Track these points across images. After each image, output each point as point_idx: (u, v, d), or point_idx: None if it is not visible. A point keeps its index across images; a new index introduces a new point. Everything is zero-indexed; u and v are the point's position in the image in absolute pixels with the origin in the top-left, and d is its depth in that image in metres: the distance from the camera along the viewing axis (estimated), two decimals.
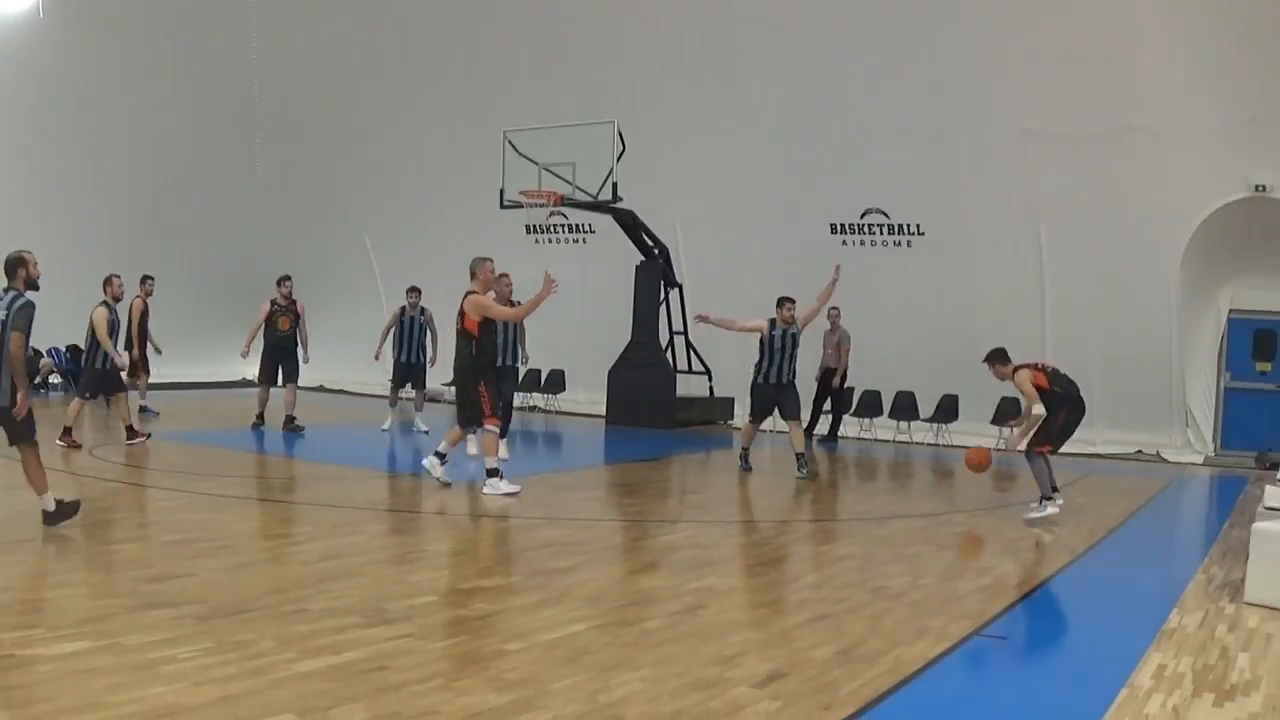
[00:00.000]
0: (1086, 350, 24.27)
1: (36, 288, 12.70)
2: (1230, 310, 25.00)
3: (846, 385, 25.64)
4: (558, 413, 30.83)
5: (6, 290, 12.36)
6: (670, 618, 9.48)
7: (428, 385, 24.12)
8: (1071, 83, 23.78)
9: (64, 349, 31.70)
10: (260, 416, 22.80)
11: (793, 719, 7.01)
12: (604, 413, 28.21)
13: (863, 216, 27.22)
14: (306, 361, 23.49)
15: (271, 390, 22.64)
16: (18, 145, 30.51)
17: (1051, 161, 24.29)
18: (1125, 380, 24.37)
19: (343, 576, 10.37)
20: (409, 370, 23.28)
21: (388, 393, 23.93)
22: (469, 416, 16.46)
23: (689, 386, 28.27)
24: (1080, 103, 23.81)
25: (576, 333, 30.17)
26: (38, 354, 30.68)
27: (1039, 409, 15.22)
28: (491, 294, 17.15)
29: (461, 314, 16.27)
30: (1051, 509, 15.39)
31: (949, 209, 25.84)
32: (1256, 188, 22.92)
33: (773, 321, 18.88)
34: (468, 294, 16.35)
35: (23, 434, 12.14)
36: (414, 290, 23.18)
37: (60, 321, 31.25)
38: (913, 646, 8.81)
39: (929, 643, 8.96)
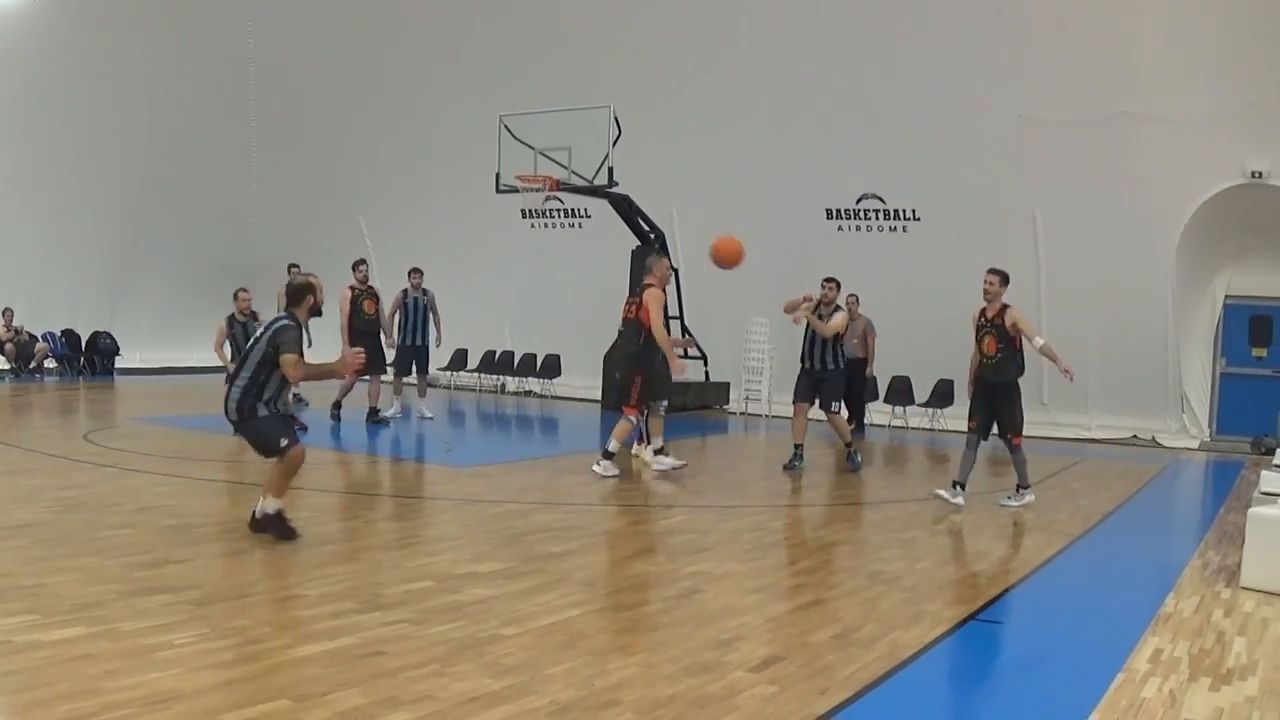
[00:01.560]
0: (1082, 335, 24.31)
1: (320, 314, 11.92)
2: (1226, 296, 25.04)
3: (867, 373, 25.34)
4: (553, 397, 30.85)
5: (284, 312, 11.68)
6: (666, 602, 9.54)
7: (429, 370, 24.09)
8: (1068, 69, 23.82)
9: (59, 334, 31.72)
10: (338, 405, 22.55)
11: (789, 703, 7.02)
12: (599, 397, 28.23)
13: (859, 202, 27.24)
14: (393, 346, 23.37)
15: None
16: (11, 132, 30.50)
17: (1048, 147, 24.32)
18: (1121, 365, 24.43)
19: (338, 562, 10.39)
20: (413, 353, 23.12)
21: (390, 379, 23.79)
22: (621, 399, 17.36)
23: (685, 371, 28.31)
24: (1077, 89, 23.85)
25: (572, 317, 30.25)
26: (33, 339, 30.71)
27: (1040, 340, 15.01)
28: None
29: (640, 304, 17.01)
30: (1030, 496, 15.44)
31: (945, 194, 25.86)
32: (1253, 174, 22.96)
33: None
34: (647, 286, 17.06)
35: (267, 449, 11.48)
36: (416, 271, 23.11)
37: (57, 307, 31.38)
38: (908, 631, 8.84)
39: (925, 627, 8.98)
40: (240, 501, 13.70)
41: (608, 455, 16.79)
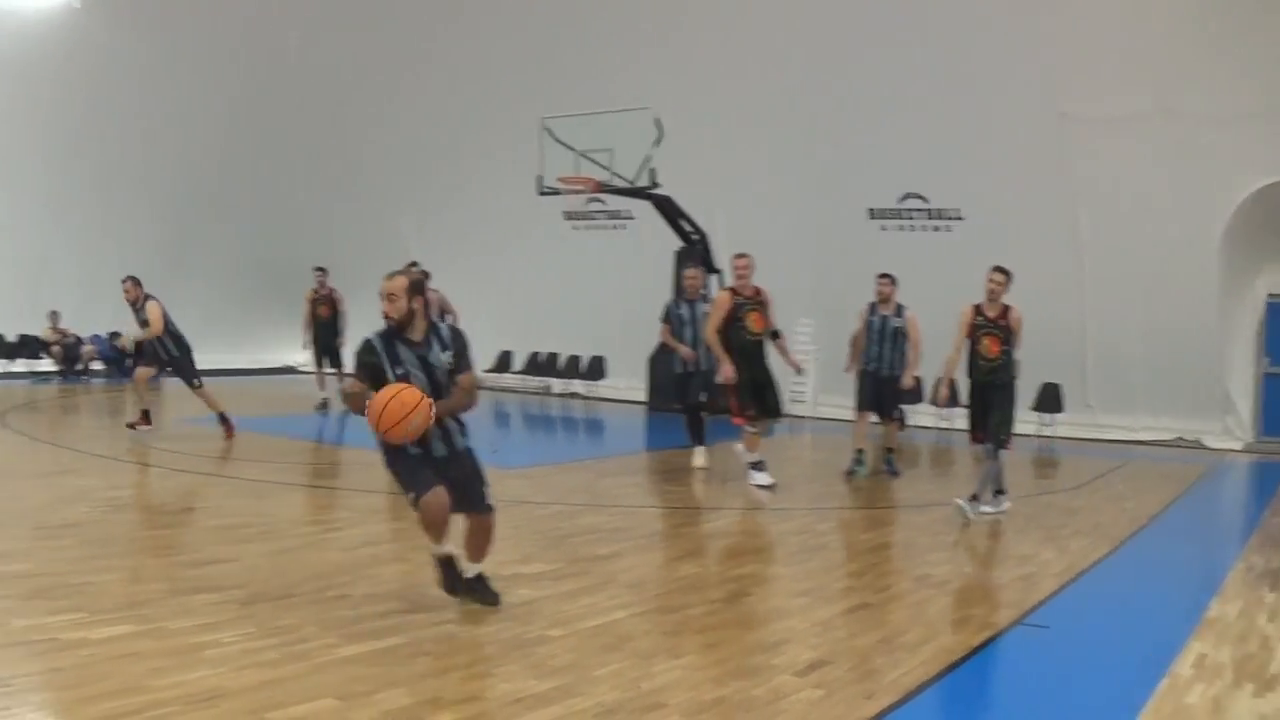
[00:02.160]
0: (1125, 335, 24.20)
1: (394, 321, 8.75)
2: (1269, 294, 24.84)
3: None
4: (598, 399, 30.83)
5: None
6: (712, 605, 9.53)
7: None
8: (1108, 65, 23.70)
9: (106, 335, 31.84)
10: None
11: (835, 707, 7.03)
12: (644, 399, 28.22)
13: (902, 201, 27.16)
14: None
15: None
16: (54, 136, 30.65)
17: (1089, 145, 24.16)
18: (1164, 366, 24.24)
19: (384, 562, 10.44)
20: None
21: None
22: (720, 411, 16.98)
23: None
24: (1117, 86, 23.73)
25: (616, 319, 30.18)
26: (79, 340, 30.84)
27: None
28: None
29: None
30: (1006, 503, 14.75)
31: (988, 193, 25.70)
32: None
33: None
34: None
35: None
36: (413, 265, 22.38)
37: (104, 309, 31.53)
38: (954, 635, 8.85)
39: (970, 631, 8.98)
40: (287, 502, 13.78)
41: (756, 466, 16.27)
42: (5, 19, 29.99)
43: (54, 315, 30.57)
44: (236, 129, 33.08)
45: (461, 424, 9.17)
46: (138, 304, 19.52)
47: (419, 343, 8.78)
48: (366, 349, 8.76)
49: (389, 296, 8.72)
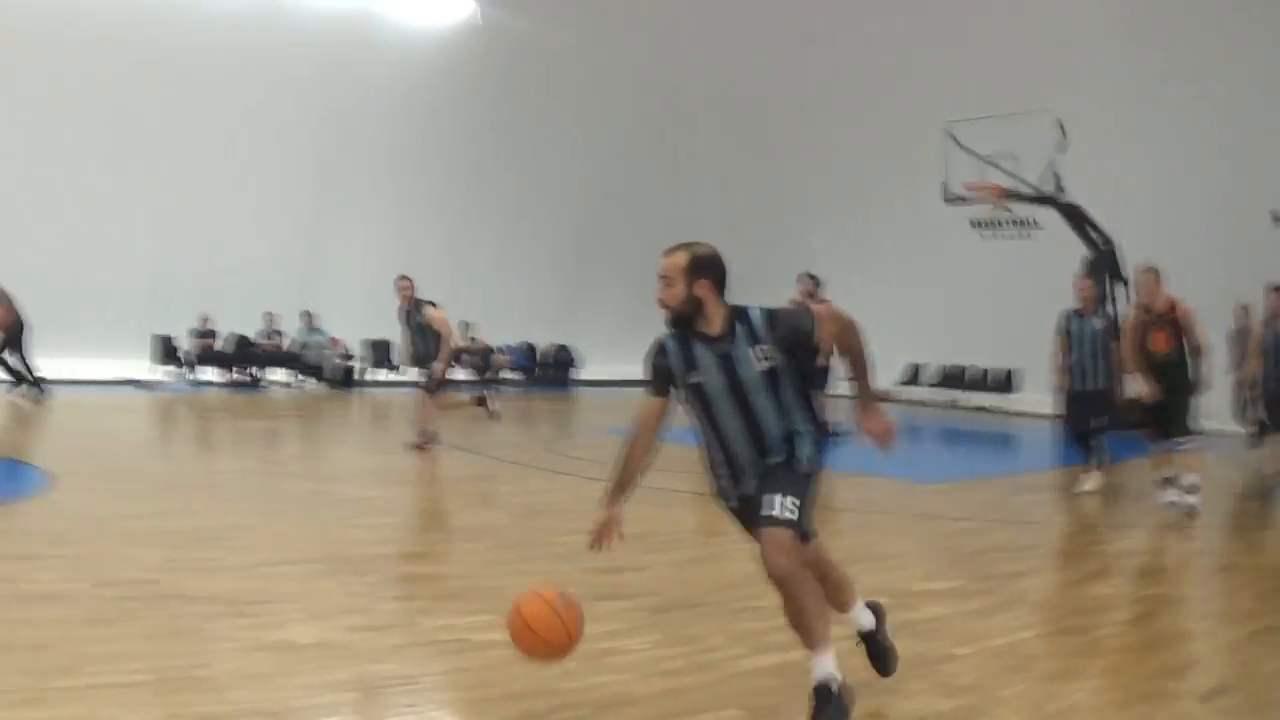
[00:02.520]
0: None
1: (670, 310, 6.84)
2: None
3: None
4: (1010, 413, 30.42)
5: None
6: (1119, 626, 9.38)
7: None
8: None
9: (517, 346, 32.75)
10: None
11: None
12: (1055, 413, 27.74)
13: None
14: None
15: None
16: (462, 152, 31.61)
17: None
18: None
19: None
20: None
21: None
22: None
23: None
24: None
25: (1027, 332, 29.67)
26: (490, 349, 31.67)
27: None
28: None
29: None
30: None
31: None
32: None
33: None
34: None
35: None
36: (809, 276, 21.60)
37: (512, 318, 32.37)
38: None
39: None
40: (694, 512, 13.90)
41: (1167, 483, 15.23)
42: (414, 38, 31.19)
43: (466, 325, 31.47)
44: (640, 141, 33.72)
45: (809, 436, 6.95)
46: (412, 305, 19.03)
47: (717, 338, 6.71)
48: (657, 350, 6.96)
49: (663, 278, 6.79)
